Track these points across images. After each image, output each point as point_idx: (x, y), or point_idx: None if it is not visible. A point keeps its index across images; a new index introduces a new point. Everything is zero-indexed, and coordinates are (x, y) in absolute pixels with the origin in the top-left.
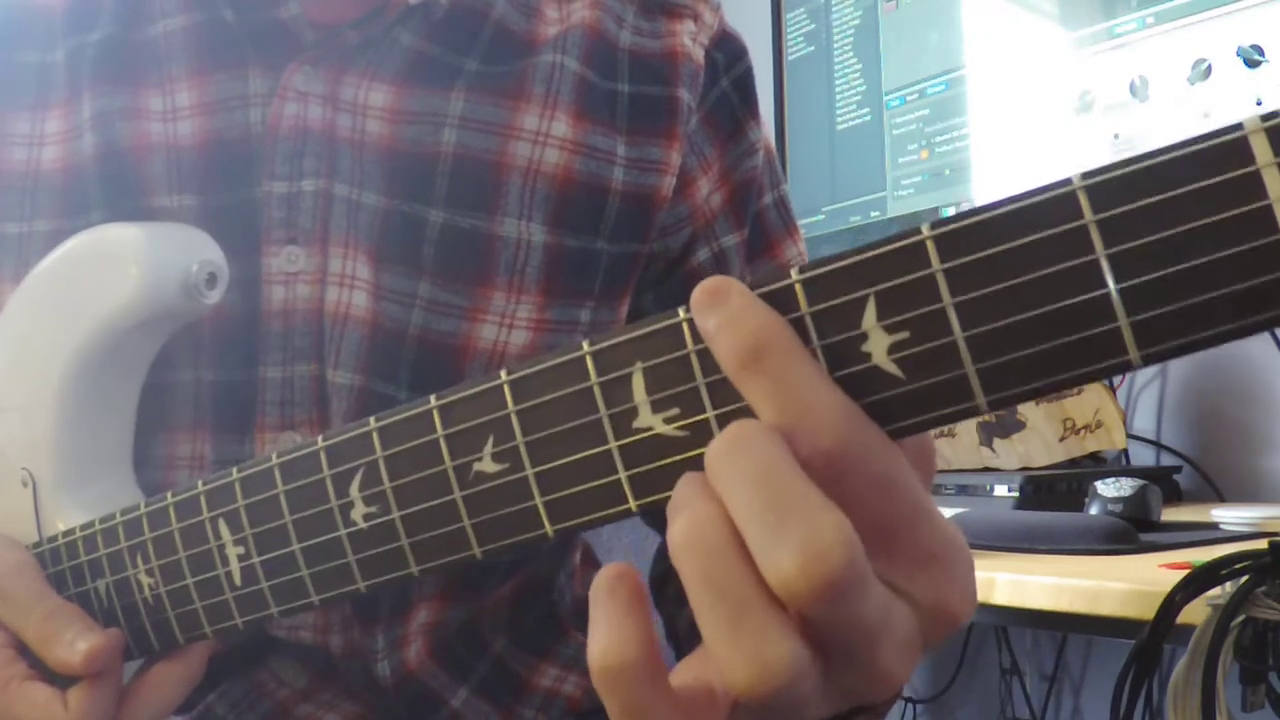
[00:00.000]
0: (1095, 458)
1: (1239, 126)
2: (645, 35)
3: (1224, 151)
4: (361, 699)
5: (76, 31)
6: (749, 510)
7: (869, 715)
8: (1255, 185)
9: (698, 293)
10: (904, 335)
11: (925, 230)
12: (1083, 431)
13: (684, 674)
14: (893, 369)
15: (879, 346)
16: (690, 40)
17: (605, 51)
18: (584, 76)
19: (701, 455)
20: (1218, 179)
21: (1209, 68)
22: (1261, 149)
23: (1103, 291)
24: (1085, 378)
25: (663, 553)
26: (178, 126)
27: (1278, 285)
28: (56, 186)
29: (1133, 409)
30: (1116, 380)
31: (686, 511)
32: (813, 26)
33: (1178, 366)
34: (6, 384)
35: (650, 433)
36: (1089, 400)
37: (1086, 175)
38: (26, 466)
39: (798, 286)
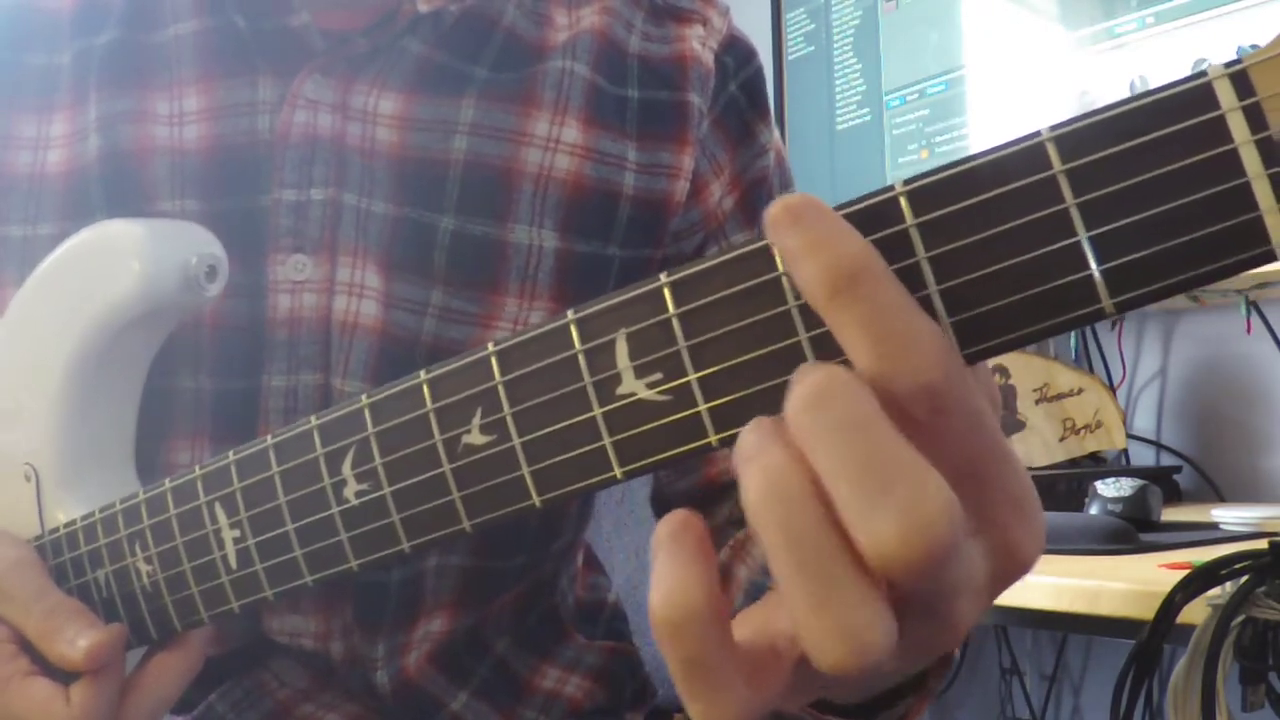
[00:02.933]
0: (1095, 458)
1: (1203, 74)
2: (654, 41)
3: (1189, 98)
4: (362, 701)
5: (84, 34)
6: (839, 469)
7: (917, 697)
8: (1220, 129)
9: (777, 209)
10: None
11: (898, 186)
12: (1083, 431)
13: (744, 628)
14: None
15: None
16: (700, 45)
17: (614, 57)
18: (593, 82)
19: (684, 419)
20: (1183, 124)
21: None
22: (1226, 94)
23: (1073, 240)
24: (1059, 328)
25: None
26: (184, 131)
27: (1245, 228)
28: (60, 190)
29: (1133, 409)
30: (1116, 380)
31: (760, 460)
32: (813, 26)
33: (1177, 366)
34: (9, 379)
35: (633, 398)
36: (1089, 400)
37: (1054, 127)
38: (29, 461)
39: (775, 247)
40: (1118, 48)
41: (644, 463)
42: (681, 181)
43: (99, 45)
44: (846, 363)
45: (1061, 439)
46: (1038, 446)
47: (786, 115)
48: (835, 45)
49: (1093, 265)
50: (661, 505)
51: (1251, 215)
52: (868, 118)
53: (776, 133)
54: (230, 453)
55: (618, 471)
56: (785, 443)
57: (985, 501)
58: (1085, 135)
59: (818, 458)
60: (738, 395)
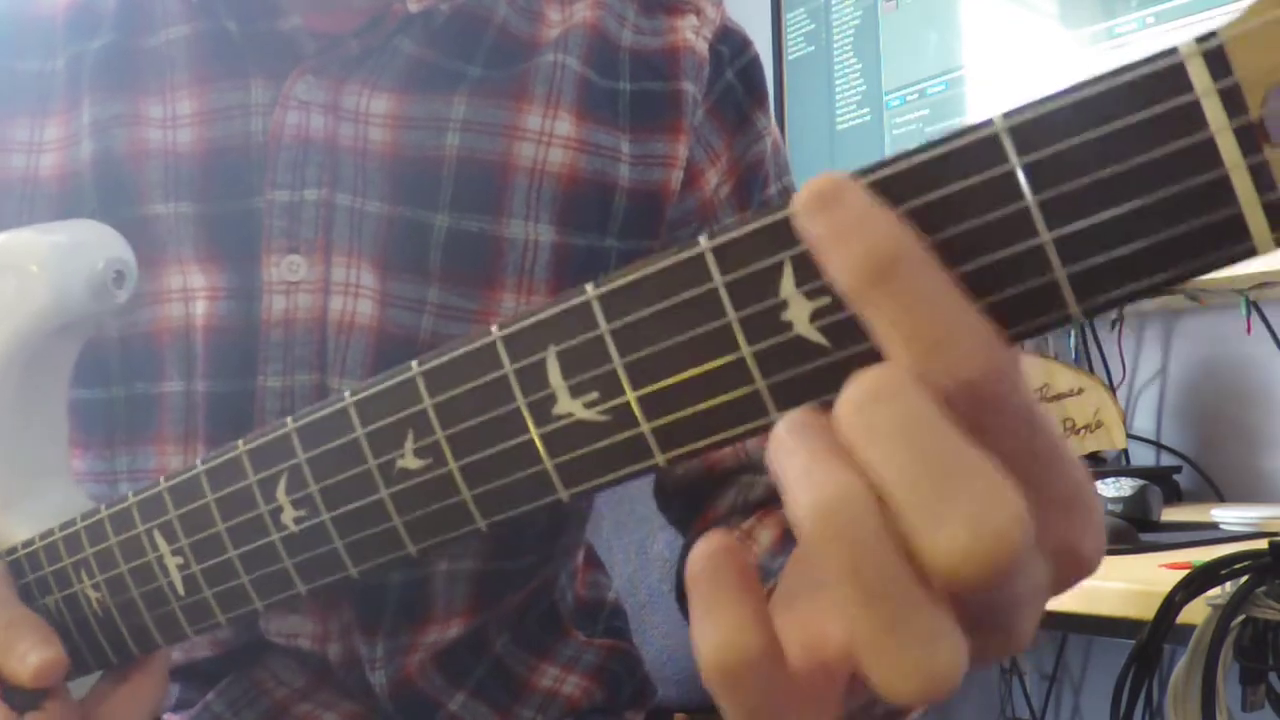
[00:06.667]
0: (1095, 458)
1: (1173, 51)
2: (646, 33)
3: (1158, 80)
4: (359, 700)
5: (77, 39)
6: (898, 474)
7: None
8: (1195, 115)
9: (803, 193)
10: (825, 301)
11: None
12: (1083, 431)
13: (786, 641)
14: (817, 337)
15: (800, 314)
16: (693, 35)
17: (606, 51)
18: (585, 76)
19: (627, 439)
20: (1154, 110)
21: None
22: (1199, 75)
23: (1035, 242)
24: (1020, 335)
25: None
26: (177, 134)
27: (1224, 224)
28: (54, 194)
29: (1133, 409)
30: (1116, 380)
31: (819, 487)
32: (813, 26)
33: (1178, 366)
34: None
35: (571, 419)
36: (1089, 400)
37: (1009, 115)
38: None
39: (708, 254)
40: (1118, 48)
41: (589, 485)
42: (677, 170)
43: (92, 50)
44: (806, 378)
45: None
46: None
47: (786, 115)
48: (835, 45)
49: (1057, 268)
50: (662, 494)
51: (1231, 210)
52: (868, 118)
53: (774, 121)
54: (162, 479)
55: (563, 494)
56: (836, 451)
57: (1041, 501)
58: (1043, 124)
59: (873, 463)
60: (681, 414)
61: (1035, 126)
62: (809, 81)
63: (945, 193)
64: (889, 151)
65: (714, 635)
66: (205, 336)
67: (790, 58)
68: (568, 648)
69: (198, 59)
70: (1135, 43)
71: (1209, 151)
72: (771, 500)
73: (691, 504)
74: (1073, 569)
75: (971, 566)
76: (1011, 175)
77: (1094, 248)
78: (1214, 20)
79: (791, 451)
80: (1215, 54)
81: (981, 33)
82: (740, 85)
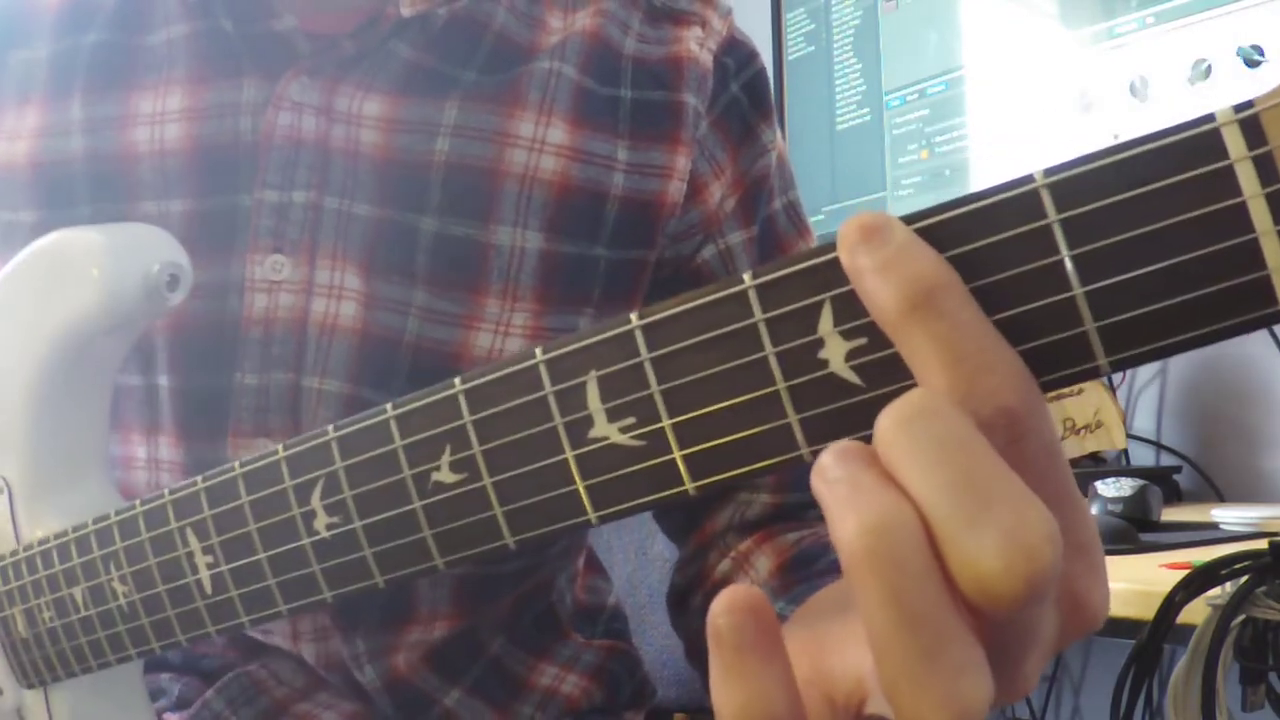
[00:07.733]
0: (1095, 458)
1: (1210, 118)
2: (650, 42)
3: (1195, 145)
4: (358, 699)
5: (70, 32)
6: (939, 492)
7: None
8: (1228, 181)
9: (849, 229)
10: (862, 341)
11: None
12: (1083, 431)
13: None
14: (851, 376)
15: (836, 353)
16: (698, 46)
17: (607, 58)
18: (581, 83)
19: (659, 466)
20: (1188, 175)
21: (1209, 68)
22: (1234, 142)
23: (1068, 295)
24: (1051, 384)
25: (685, 564)
26: (165, 130)
27: (1252, 288)
28: (28, 180)
29: (1133, 409)
30: (1116, 380)
31: (864, 511)
32: (813, 26)
33: (1178, 366)
34: None
35: (606, 442)
36: (1089, 400)
37: (1049, 172)
38: (1, 474)
39: (751, 291)
40: (1118, 48)
41: (618, 508)
42: (675, 182)
43: (86, 44)
44: (838, 415)
45: (1061, 439)
46: None
47: (786, 115)
48: (835, 45)
49: (1088, 321)
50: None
51: (1260, 274)
52: (868, 118)
53: (779, 133)
54: (199, 478)
55: (591, 516)
56: (881, 477)
57: None
58: (1082, 182)
59: (913, 479)
60: (714, 444)
61: (1074, 184)
62: (809, 81)
63: (984, 243)
64: (889, 152)
65: (738, 699)
66: (170, 334)
67: (790, 58)
68: (566, 648)
69: (193, 58)
70: (1135, 43)
71: (1241, 216)
72: (767, 520)
73: (688, 516)
74: (1080, 620)
75: (1006, 582)
76: (1049, 230)
77: (1126, 303)
78: (1213, 20)
79: (836, 479)
80: (1250, 123)
81: (981, 33)
82: (745, 98)
